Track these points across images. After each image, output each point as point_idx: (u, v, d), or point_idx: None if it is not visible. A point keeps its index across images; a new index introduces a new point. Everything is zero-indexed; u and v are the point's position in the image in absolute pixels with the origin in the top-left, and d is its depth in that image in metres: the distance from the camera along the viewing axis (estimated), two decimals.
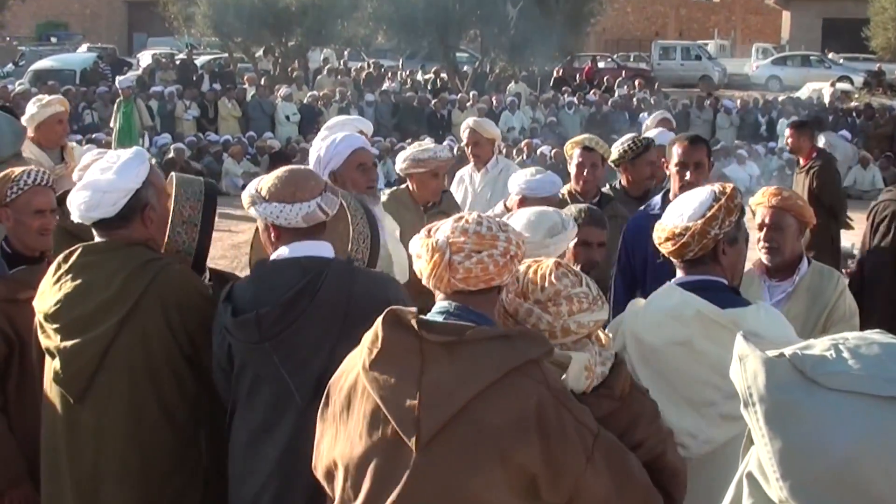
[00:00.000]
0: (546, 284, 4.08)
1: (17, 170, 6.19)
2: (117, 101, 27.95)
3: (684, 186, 7.01)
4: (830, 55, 59.15)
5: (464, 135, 10.51)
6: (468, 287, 3.86)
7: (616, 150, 9.13)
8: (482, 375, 3.74)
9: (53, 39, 62.12)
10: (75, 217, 5.13)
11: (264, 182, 4.97)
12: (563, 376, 4.01)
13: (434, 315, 3.91)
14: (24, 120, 10.18)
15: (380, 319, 3.85)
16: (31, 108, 10.26)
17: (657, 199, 7.77)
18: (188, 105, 35.43)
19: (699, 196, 5.03)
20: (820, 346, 2.67)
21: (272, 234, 4.97)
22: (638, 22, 77.84)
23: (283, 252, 4.92)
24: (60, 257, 5.20)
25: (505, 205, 7.61)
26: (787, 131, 13.84)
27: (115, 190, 5.06)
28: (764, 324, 4.92)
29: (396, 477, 3.78)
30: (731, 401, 4.25)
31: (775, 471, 2.57)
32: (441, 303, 3.94)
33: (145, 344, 5.01)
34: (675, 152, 7.46)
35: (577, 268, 4.29)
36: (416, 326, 3.79)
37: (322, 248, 4.99)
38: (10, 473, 5.72)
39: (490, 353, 3.78)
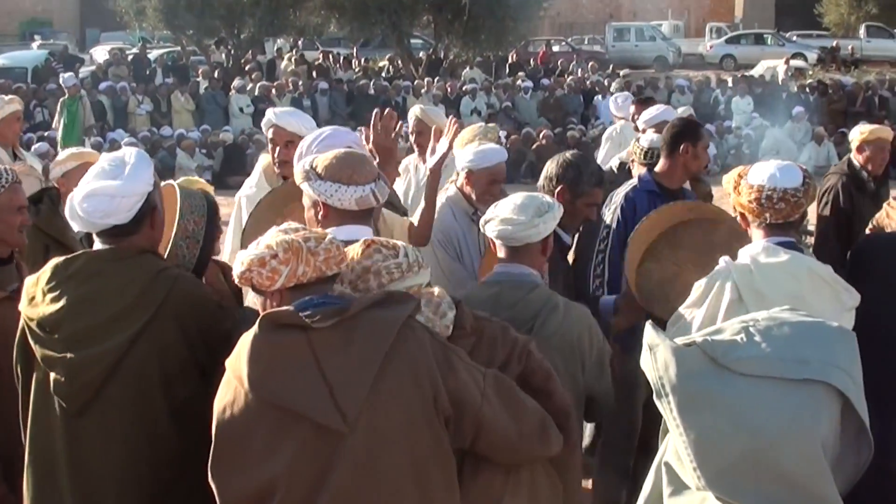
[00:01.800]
0: (355, 264, 4.26)
1: None
2: (61, 99, 27.02)
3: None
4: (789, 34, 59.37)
5: (410, 122, 10.40)
6: (327, 271, 4.08)
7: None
8: (379, 342, 3.89)
9: (37, 37, 61.59)
10: (80, 226, 4.95)
11: (319, 159, 5.00)
12: None
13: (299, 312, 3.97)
14: None
15: (255, 329, 3.91)
16: None
17: (645, 175, 7.95)
18: (141, 100, 35.27)
19: (791, 168, 5.38)
20: (730, 330, 2.63)
21: (320, 213, 4.97)
22: (591, 5, 77.96)
23: (335, 233, 4.74)
24: (59, 262, 4.96)
25: (456, 186, 7.52)
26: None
27: (131, 195, 4.86)
28: (844, 285, 5.31)
29: (330, 466, 3.83)
30: None
31: (692, 460, 2.54)
32: (295, 303, 4.00)
33: (161, 355, 4.86)
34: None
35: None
36: (299, 321, 3.87)
37: (368, 233, 4.97)
38: None
39: (375, 320, 3.94)
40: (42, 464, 5.01)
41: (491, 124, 8.51)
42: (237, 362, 3.93)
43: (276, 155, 7.35)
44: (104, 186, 4.85)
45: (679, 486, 2.67)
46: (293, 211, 6.08)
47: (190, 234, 5.30)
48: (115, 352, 4.79)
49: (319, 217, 4.97)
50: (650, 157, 8.68)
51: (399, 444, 3.90)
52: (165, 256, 5.20)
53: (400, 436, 3.90)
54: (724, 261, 5.40)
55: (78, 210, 4.86)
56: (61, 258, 4.98)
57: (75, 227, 5.01)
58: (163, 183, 5.46)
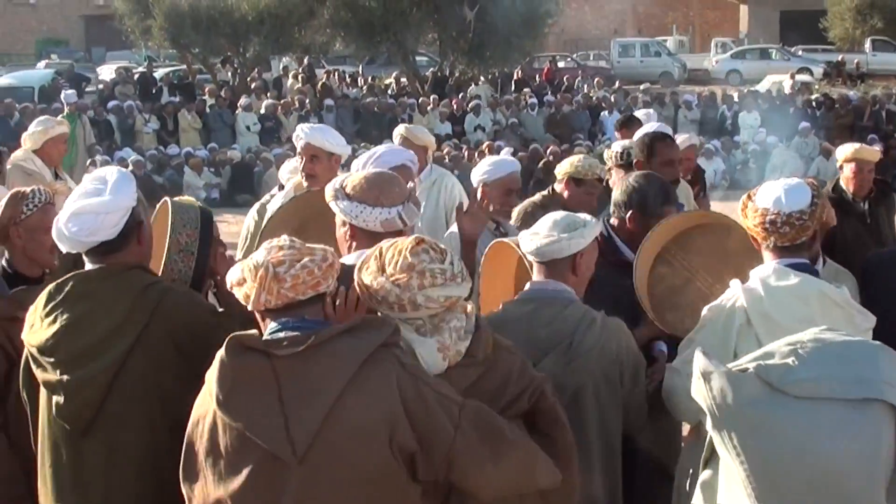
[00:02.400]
0: (401, 259, 4.19)
1: (26, 189, 6.12)
2: (59, 116, 25.56)
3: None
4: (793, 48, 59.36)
5: (396, 142, 10.11)
6: (297, 296, 3.98)
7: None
8: (339, 374, 3.86)
9: (54, 56, 61.82)
10: (68, 246, 4.96)
11: (350, 179, 5.03)
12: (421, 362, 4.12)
13: (271, 335, 3.99)
14: (30, 135, 10.29)
15: (222, 350, 3.91)
16: (41, 124, 10.42)
17: None
18: (148, 118, 35.31)
19: (799, 187, 5.26)
20: (779, 353, 2.61)
21: (348, 233, 5.00)
22: (596, 21, 78.00)
23: (357, 257, 4.79)
24: (52, 288, 5.01)
25: (475, 196, 7.54)
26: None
27: (116, 210, 4.90)
28: (857, 308, 5.27)
29: (279, 496, 3.85)
30: None
31: (753, 489, 2.50)
32: (272, 324, 4.02)
33: (156, 368, 4.89)
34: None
35: None
36: (262, 347, 3.88)
37: None
38: (12, 493, 5.63)
39: (339, 350, 3.89)
40: (53, 486, 5.03)
41: (594, 159, 8.45)
42: (210, 378, 3.96)
43: (301, 168, 7.52)
44: (89, 204, 4.89)
45: None
46: (307, 224, 6.10)
47: (183, 248, 5.30)
48: (110, 369, 4.84)
49: (347, 237, 4.99)
50: (625, 157, 8.62)
51: (349, 479, 3.87)
52: (161, 271, 5.23)
53: (351, 471, 3.87)
54: (733, 284, 5.38)
55: (64, 231, 4.89)
56: (54, 283, 5.04)
57: (63, 248, 5.00)
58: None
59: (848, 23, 55.49)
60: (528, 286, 5.51)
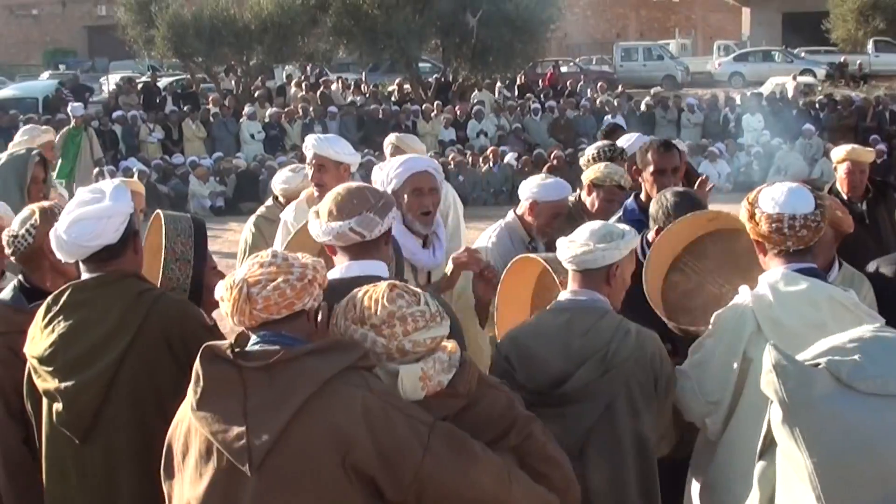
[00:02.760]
0: (379, 308, 4.17)
1: (47, 203, 6.06)
2: (65, 129, 24.35)
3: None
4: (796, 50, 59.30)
5: (387, 151, 10.08)
6: (271, 315, 4.05)
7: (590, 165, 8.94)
8: (300, 390, 3.92)
9: (62, 67, 61.94)
10: (68, 253, 5.03)
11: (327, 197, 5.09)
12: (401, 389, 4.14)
13: (250, 346, 4.07)
14: (16, 144, 10.39)
15: (199, 355, 4.01)
16: (26, 133, 10.57)
17: (631, 202, 7.88)
18: (152, 128, 35.37)
19: (801, 192, 5.28)
20: (845, 349, 2.62)
21: (330, 251, 5.08)
22: (598, 25, 77.97)
23: (346, 270, 4.98)
24: (50, 299, 5.09)
25: (515, 213, 7.57)
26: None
27: (117, 214, 4.99)
28: (866, 311, 5.26)
29: (234, 501, 3.93)
30: None
31: (819, 483, 2.51)
32: (253, 337, 4.11)
33: (150, 373, 4.96)
34: (652, 159, 7.68)
35: None
36: (232, 357, 3.98)
37: (381, 267, 5.03)
38: None
39: (305, 368, 3.96)
40: (58, 494, 5.12)
41: (616, 166, 8.37)
42: (191, 381, 4.05)
43: (311, 178, 7.74)
44: (90, 210, 4.98)
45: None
46: None
47: (179, 256, 5.38)
48: (105, 375, 4.91)
49: (332, 256, 5.06)
50: (602, 158, 8.66)
51: (299, 494, 3.92)
52: (159, 282, 5.32)
53: (300, 487, 3.92)
54: (742, 290, 5.40)
55: (64, 237, 4.95)
56: (52, 295, 5.12)
57: (63, 256, 5.06)
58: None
59: (850, 24, 55.41)
60: (561, 296, 5.52)
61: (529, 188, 7.58)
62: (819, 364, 2.60)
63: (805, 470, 2.53)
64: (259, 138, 35.06)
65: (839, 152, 10.29)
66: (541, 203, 7.44)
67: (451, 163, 30.39)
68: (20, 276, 5.90)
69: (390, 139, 10.16)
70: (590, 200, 8.06)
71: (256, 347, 4.05)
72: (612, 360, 5.21)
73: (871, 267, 7.08)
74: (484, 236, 7.75)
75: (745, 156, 33.38)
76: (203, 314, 5.33)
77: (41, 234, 5.63)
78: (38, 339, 5.03)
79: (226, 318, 4.16)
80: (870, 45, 55.58)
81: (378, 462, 3.92)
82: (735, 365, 5.23)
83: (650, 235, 6.54)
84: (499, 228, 7.49)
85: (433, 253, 6.72)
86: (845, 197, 10.06)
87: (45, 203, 6.13)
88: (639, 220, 7.44)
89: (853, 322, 4.91)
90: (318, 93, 41.95)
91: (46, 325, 5.01)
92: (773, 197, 5.27)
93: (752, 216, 5.31)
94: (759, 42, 64.63)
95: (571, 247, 5.38)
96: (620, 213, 7.76)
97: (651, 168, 7.68)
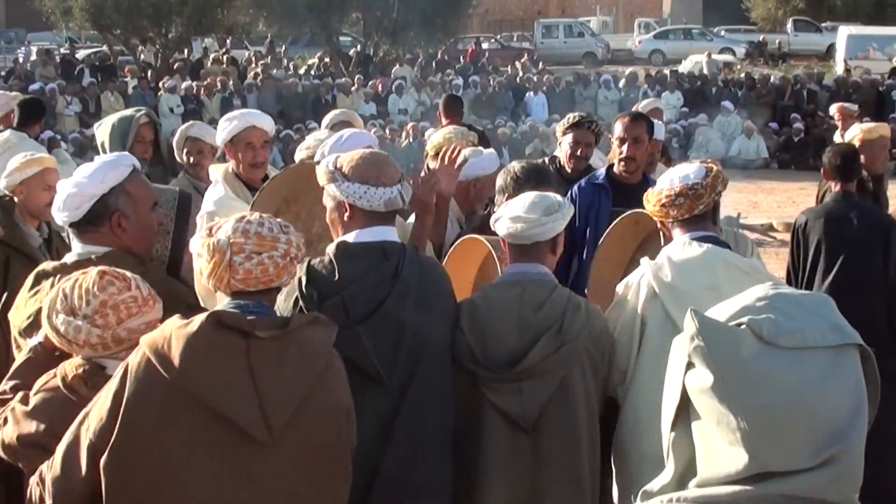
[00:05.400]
0: (90, 298, 4.17)
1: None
2: None
3: (624, 160, 7.88)
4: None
5: (326, 124, 9.59)
6: (247, 288, 4.03)
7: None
8: (313, 363, 4.04)
9: None
10: (57, 219, 5.14)
11: (344, 160, 5.00)
12: None
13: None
14: None
15: (200, 322, 3.88)
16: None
17: (601, 170, 8.12)
18: (70, 101, 34.93)
19: (691, 166, 5.59)
20: (755, 309, 2.64)
21: (346, 214, 4.96)
22: (520, 2, 78.01)
23: (357, 235, 4.93)
24: (39, 270, 5.07)
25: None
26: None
27: (80, 194, 4.97)
28: (767, 274, 5.44)
29: (248, 475, 3.90)
30: None
31: (751, 441, 2.53)
32: (232, 301, 4.07)
33: None
34: (616, 128, 8.00)
35: None
36: (245, 325, 3.91)
37: (394, 234, 5.08)
38: None
39: (311, 339, 4.08)
40: None
41: (465, 129, 8.33)
42: (164, 348, 3.87)
43: (250, 158, 7.39)
44: (67, 181, 5.07)
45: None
46: (298, 196, 6.19)
47: (159, 228, 5.30)
48: None
49: (345, 218, 4.97)
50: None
51: (317, 461, 4.04)
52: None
53: (318, 454, 4.04)
54: (643, 261, 5.51)
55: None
56: (41, 266, 5.16)
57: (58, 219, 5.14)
58: None
59: (770, 3, 56.04)
60: (509, 269, 5.49)
61: (477, 167, 7.34)
62: (741, 325, 2.61)
63: (736, 432, 2.55)
64: (178, 112, 34.69)
65: (863, 129, 10.41)
66: (483, 178, 7.32)
67: None
68: None
69: (342, 117, 9.55)
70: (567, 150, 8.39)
71: (251, 318, 3.99)
72: (566, 334, 5.20)
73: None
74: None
75: (665, 133, 33.50)
76: (188, 293, 5.32)
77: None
78: (22, 308, 4.98)
79: (199, 275, 4.14)
80: (789, 25, 56.24)
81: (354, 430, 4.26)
82: (636, 332, 5.35)
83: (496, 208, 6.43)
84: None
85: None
86: (865, 175, 10.12)
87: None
88: (597, 184, 7.88)
89: (748, 283, 5.20)
90: (242, 64, 41.72)
91: (33, 295, 4.95)
92: (664, 176, 5.63)
93: (647, 198, 5.61)
94: (679, 20, 65.04)
95: (516, 222, 5.34)
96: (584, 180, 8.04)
97: (616, 135, 7.98)
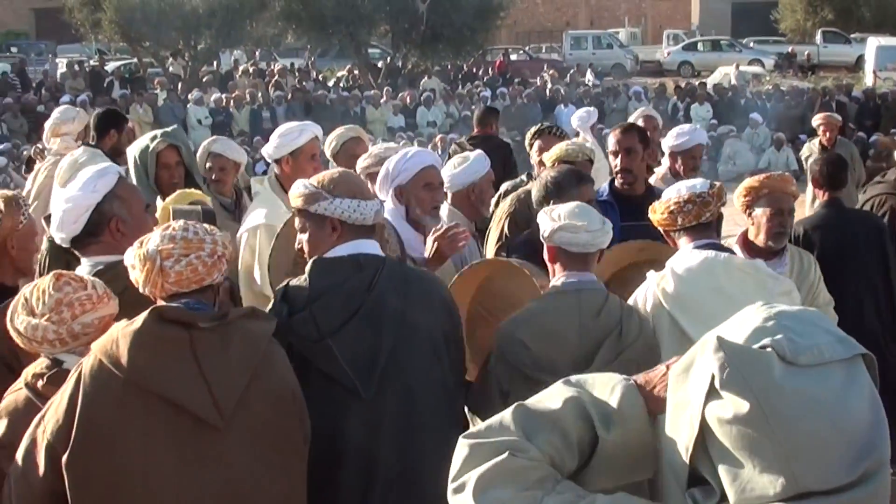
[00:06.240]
0: (47, 297, 4.36)
1: (9, 193, 5.83)
2: None
3: (620, 172, 8.00)
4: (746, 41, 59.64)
5: (333, 144, 8.92)
6: (181, 289, 4.25)
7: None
8: (255, 348, 4.29)
9: (14, 49, 61.19)
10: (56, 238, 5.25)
11: (320, 180, 5.05)
12: None
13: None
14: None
15: (143, 319, 4.10)
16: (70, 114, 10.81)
17: (604, 186, 8.13)
18: None
19: (695, 180, 5.97)
20: (766, 330, 2.60)
21: (333, 232, 4.99)
22: (549, 13, 78.20)
23: (334, 251, 4.98)
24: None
25: (451, 204, 7.31)
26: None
27: (76, 206, 5.08)
28: (769, 273, 5.84)
29: (204, 458, 4.14)
30: None
31: (791, 469, 2.48)
32: (172, 303, 4.25)
33: None
34: (609, 141, 8.15)
35: None
36: (187, 317, 4.16)
37: (376, 247, 5.12)
38: None
39: (248, 329, 4.31)
40: None
41: (582, 142, 8.48)
42: (112, 348, 4.08)
43: (312, 170, 7.22)
44: (58, 198, 5.23)
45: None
46: None
47: None
48: None
49: (333, 236, 4.97)
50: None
51: (268, 439, 4.28)
52: None
53: (269, 434, 4.28)
54: (649, 274, 5.71)
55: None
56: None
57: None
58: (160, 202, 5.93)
59: (799, 14, 55.80)
60: (562, 278, 5.44)
61: (468, 173, 7.28)
62: (764, 347, 2.56)
63: (773, 457, 2.50)
64: (206, 123, 34.77)
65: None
66: (479, 181, 7.26)
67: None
68: None
69: (347, 131, 8.77)
70: None
71: (191, 311, 4.23)
72: (625, 339, 5.29)
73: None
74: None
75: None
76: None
77: (5, 226, 5.58)
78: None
79: (136, 284, 4.32)
80: (818, 36, 56.02)
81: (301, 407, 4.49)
82: None
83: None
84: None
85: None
86: None
87: (9, 192, 5.88)
88: (604, 201, 7.72)
89: (753, 284, 5.63)
90: (271, 76, 41.78)
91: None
92: (671, 188, 5.95)
93: (653, 210, 5.88)
94: (708, 31, 64.97)
95: (577, 231, 5.33)
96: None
97: (609, 148, 8.11)
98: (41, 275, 6.49)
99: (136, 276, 4.26)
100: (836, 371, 2.55)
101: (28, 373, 4.52)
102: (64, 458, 3.99)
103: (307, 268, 5.00)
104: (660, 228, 5.96)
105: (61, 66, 47.20)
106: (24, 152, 26.62)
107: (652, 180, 8.65)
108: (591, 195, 6.58)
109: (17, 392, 4.49)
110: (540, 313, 5.34)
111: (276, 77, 41.88)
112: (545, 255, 5.53)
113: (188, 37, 45.11)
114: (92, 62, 46.10)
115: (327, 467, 4.79)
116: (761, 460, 2.50)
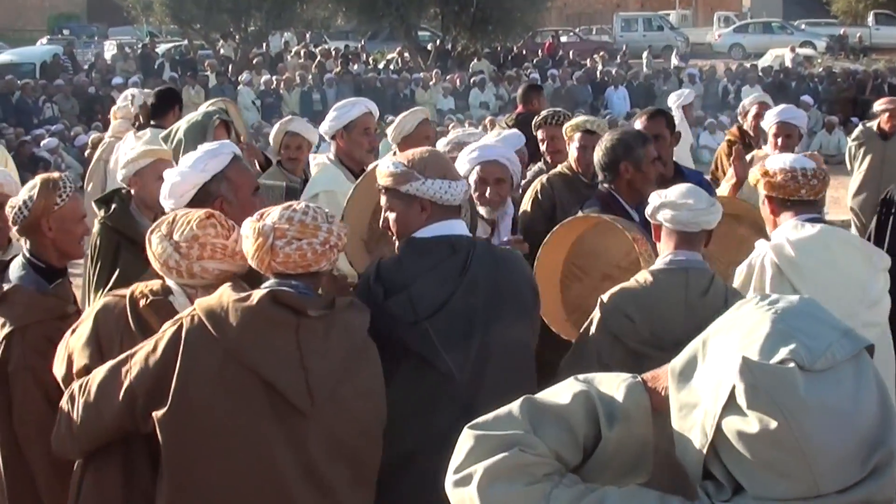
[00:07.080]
0: (187, 229, 4.47)
1: (54, 175, 5.84)
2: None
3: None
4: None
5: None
6: (286, 270, 4.26)
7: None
8: (354, 341, 4.36)
9: (66, 32, 61.67)
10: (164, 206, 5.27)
11: (406, 158, 5.00)
12: None
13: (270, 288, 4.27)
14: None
15: (259, 298, 4.15)
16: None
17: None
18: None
19: (802, 156, 6.26)
20: (782, 336, 2.57)
21: (423, 212, 4.93)
22: None
23: (426, 231, 4.93)
24: None
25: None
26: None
27: (183, 182, 5.17)
28: (873, 248, 6.26)
29: (287, 443, 4.18)
30: (871, 309, 5.92)
31: (814, 479, 2.48)
32: (282, 281, 4.28)
33: None
34: (636, 127, 7.81)
35: None
36: (299, 304, 4.19)
37: (464, 227, 5.10)
38: None
39: (351, 321, 4.38)
40: None
41: (596, 118, 8.52)
42: (221, 315, 4.14)
43: (367, 144, 7.84)
44: (172, 170, 5.32)
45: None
46: None
47: None
48: None
49: (423, 217, 4.91)
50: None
51: (348, 435, 4.31)
52: None
53: (351, 428, 4.32)
54: (759, 243, 5.88)
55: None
56: None
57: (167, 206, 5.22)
58: None
59: None
60: (671, 255, 5.41)
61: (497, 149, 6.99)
62: (784, 361, 2.54)
63: (794, 469, 2.49)
64: (256, 105, 34.90)
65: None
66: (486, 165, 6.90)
67: (450, 132, 30.29)
68: (26, 252, 5.68)
69: (420, 115, 8.71)
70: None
71: (303, 298, 4.25)
72: None
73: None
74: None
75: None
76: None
77: (38, 207, 5.53)
78: None
79: (246, 255, 4.34)
80: (870, 18, 55.65)
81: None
82: None
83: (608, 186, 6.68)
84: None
85: (498, 237, 6.69)
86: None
87: (54, 174, 5.87)
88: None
89: (862, 259, 5.95)
90: (319, 59, 41.83)
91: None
92: (783, 157, 6.08)
93: (765, 174, 5.91)
94: (759, 13, 64.61)
95: (684, 209, 5.30)
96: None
97: None
98: (93, 258, 6.58)
99: (247, 246, 4.28)
100: (847, 370, 2.52)
101: (139, 287, 4.62)
102: (159, 414, 4.07)
103: (399, 247, 4.99)
104: (761, 193, 6.01)
105: (112, 48, 47.37)
106: (75, 133, 26.88)
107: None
108: (654, 154, 6.68)
109: (119, 299, 4.60)
110: (647, 288, 5.33)
111: (328, 58, 41.97)
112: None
113: (238, 19, 45.25)
114: (143, 45, 46.32)
115: (418, 448, 4.74)
116: (783, 471, 2.50)
